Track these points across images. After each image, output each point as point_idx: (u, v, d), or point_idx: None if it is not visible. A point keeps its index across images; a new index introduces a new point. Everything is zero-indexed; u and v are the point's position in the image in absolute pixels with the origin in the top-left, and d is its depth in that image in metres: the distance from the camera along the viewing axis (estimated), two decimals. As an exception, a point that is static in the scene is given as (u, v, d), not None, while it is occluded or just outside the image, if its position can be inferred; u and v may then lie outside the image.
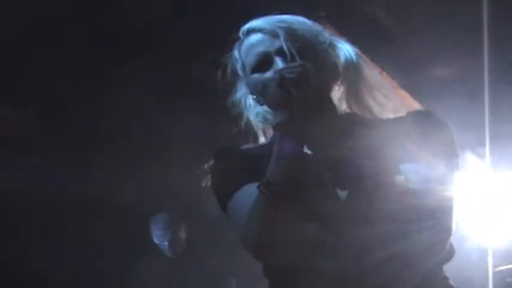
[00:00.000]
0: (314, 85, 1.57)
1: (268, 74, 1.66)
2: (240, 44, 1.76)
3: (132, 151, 4.23)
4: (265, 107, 1.76)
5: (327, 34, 1.78)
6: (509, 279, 4.43)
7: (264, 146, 1.79)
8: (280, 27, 1.68)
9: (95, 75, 3.67)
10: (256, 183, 1.59)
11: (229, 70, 1.80)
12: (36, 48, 3.39)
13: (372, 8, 3.29)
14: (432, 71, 3.81)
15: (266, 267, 1.73)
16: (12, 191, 3.98)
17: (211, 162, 1.79)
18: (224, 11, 3.17)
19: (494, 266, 4.55)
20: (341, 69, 1.75)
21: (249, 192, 1.62)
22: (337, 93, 1.76)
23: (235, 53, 1.78)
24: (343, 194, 1.63)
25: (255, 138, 1.84)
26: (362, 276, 1.57)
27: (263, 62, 1.68)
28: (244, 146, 1.82)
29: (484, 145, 4.17)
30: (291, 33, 1.67)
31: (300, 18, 1.74)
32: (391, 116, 1.77)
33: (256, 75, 1.70)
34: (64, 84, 3.69)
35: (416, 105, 4.13)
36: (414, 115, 1.75)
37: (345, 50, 1.78)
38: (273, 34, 1.68)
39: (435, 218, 1.60)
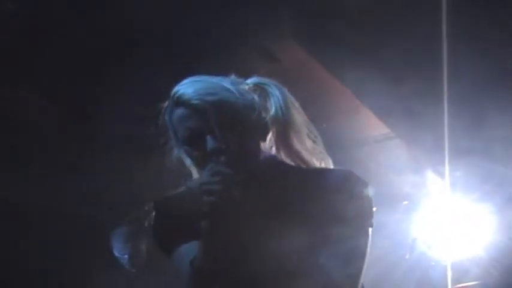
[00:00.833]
0: (236, 194, 1.62)
1: (199, 153, 1.73)
2: (171, 110, 1.80)
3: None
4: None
5: (257, 86, 1.85)
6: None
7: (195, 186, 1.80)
8: (209, 102, 1.72)
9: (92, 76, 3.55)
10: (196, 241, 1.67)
11: (160, 122, 1.86)
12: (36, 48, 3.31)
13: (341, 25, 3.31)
14: (395, 89, 3.83)
15: None
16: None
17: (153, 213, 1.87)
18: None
19: (454, 283, 4.59)
20: (270, 120, 1.81)
21: (189, 250, 1.71)
22: (266, 140, 1.83)
23: (166, 117, 1.83)
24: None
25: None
26: None
27: (194, 137, 1.74)
28: (178, 191, 1.86)
29: (443, 164, 4.22)
30: (219, 105, 1.72)
31: (229, 83, 1.80)
32: (317, 164, 1.86)
33: (188, 148, 1.78)
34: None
35: (380, 126, 4.19)
36: (337, 173, 1.83)
37: (276, 97, 1.83)
38: (202, 110, 1.72)
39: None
